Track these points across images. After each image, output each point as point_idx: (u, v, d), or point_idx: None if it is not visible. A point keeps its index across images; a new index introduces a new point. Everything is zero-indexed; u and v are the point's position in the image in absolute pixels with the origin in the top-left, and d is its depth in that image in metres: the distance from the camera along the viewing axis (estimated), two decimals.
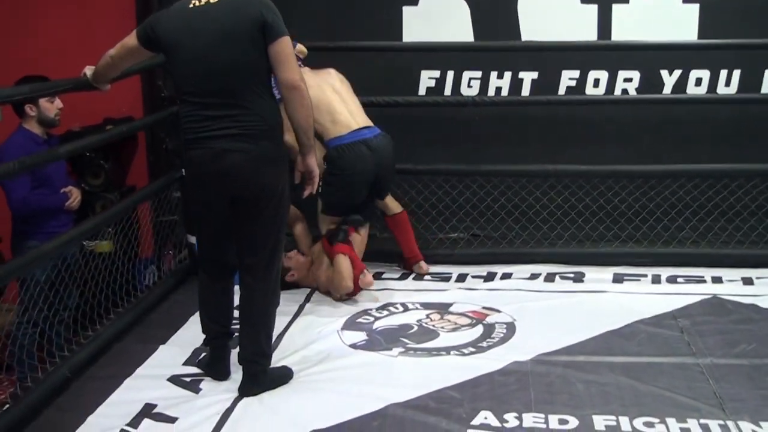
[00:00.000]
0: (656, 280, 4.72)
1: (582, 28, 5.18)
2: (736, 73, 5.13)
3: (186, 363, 3.67)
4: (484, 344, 3.84)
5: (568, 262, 4.99)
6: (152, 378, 3.52)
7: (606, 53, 5.24)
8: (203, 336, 3.58)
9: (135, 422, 3.14)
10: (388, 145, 4.57)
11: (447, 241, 5.29)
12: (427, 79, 5.37)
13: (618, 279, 4.75)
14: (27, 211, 4.31)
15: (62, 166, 4.57)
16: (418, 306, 4.36)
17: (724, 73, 5.15)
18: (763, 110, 5.10)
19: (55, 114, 4.42)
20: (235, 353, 3.49)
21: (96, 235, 4.71)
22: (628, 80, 5.23)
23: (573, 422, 3.08)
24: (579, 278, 4.77)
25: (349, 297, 4.46)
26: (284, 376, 3.47)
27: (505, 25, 5.23)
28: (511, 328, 4.04)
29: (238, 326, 3.46)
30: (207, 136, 3.24)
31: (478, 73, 5.33)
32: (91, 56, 3.67)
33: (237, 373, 3.45)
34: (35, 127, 4.38)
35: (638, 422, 3.06)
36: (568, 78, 5.26)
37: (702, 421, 3.07)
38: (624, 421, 3.07)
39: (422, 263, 4.89)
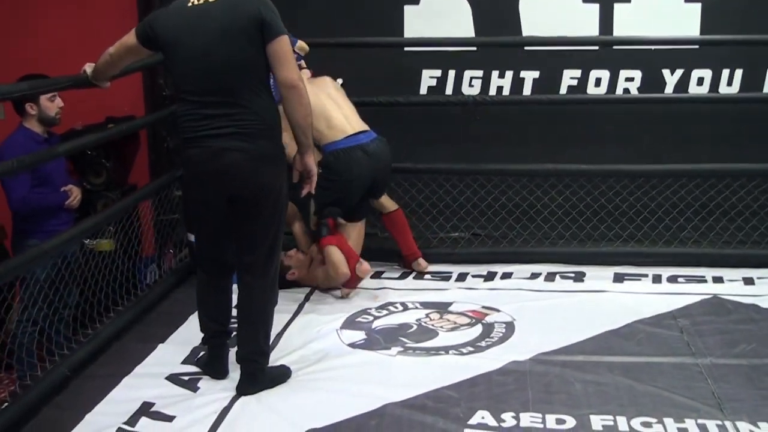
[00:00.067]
0: (657, 279, 4.71)
1: (584, 27, 5.16)
2: (738, 73, 5.12)
3: (185, 362, 3.67)
4: (483, 344, 3.83)
5: (568, 261, 4.98)
6: (151, 376, 3.52)
7: (607, 53, 5.22)
8: (201, 335, 3.58)
9: (132, 421, 3.14)
10: (385, 148, 4.58)
11: (448, 241, 5.28)
12: (428, 78, 5.37)
13: (619, 279, 4.74)
14: (27, 210, 4.32)
15: (62, 164, 4.58)
16: (417, 305, 4.35)
17: (726, 72, 5.14)
18: (765, 110, 5.09)
19: (56, 113, 4.43)
20: (233, 352, 3.49)
21: (97, 234, 4.73)
22: (629, 79, 5.22)
23: (570, 422, 3.07)
24: (579, 278, 4.76)
25: (350, 288, 4.47)
26: (282, 375, 3.47)
27: (507, 25, 5.22)
28: (510, 327, 4.03)
29: (236, 325, 3.46)
30: (205, 134, 3.24)
31: (480, 73, 5.33)
32: (91, 56, 3.68)
33: (235, 372, 3.44)
34: (36, 126, 4.39)
35: (636, 422, 3.05)
36: (569, 77, 5.26)
37: (700, 421, 3.06)
38: (621, 421, 3.07)
39: (421, 260, 4.90)
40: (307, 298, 4.52)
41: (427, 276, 4.87)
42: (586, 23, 5.17)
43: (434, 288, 4.65)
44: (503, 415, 3.13)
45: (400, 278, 4.84)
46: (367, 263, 4.50)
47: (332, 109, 4.51)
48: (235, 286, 3.50)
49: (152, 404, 3.26)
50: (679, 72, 5.17)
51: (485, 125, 5.23)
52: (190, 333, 3.89)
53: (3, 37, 5.36)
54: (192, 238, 4.55)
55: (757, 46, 5.03)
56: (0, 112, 5.19)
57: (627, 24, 5.14)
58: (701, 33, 5.08)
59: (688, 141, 5.14)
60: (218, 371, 3.51)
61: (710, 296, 4.39)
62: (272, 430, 3.08)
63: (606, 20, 5.17)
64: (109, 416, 3.17)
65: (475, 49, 5.32)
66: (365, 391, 3.34)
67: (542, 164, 5.06)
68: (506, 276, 4.81)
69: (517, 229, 5.25)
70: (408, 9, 5.30)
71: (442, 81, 5.37)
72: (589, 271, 4.84)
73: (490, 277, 4.80)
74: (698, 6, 5.08)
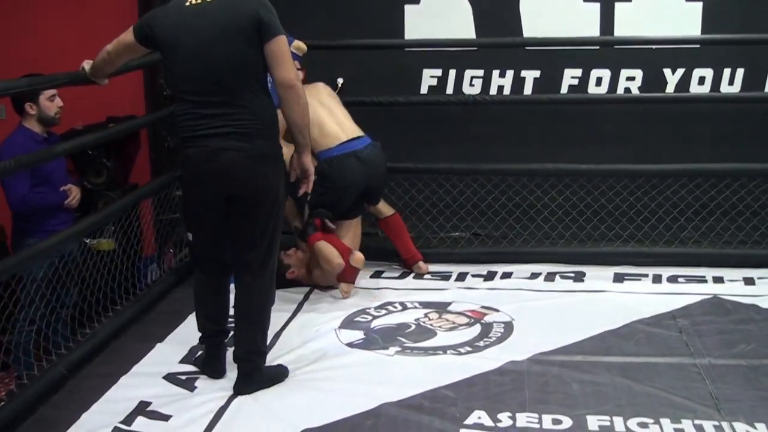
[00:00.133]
0: (657, 279, 4.69)
1: (584, 26, 5.15)
2: (740, 72, 5.11)
3: (182, 361, 3.67)
4: (481, 343, 3.83)
5: (569, 261, 4.97)
6: (148, 376, 3.52)
7: (608, 52, 5.22)
8: (199, 334, 3.58)
9: (129, 420, 3.14)
10: (379, 154, 4.59)
11: (448, 240, 5.28)
12: (429, 77, 5.37)
13: (618, 279, 4.72)
14: (27, 209, 4.32)
15: (62, 164, 4.58)
16: (416, 305, 4.35)
17: (727, 71, 5.12)
18: (766, 109, 5.06)
19: (56, 113, 4.43)
20: (231, 351, 3.49)
21: (98, 233, 4.74)
22: (630, 79, 5.21)
23: (567, 422, 3.06)
24: (579, 278, 4.75)
25: (348, 281, 4.47)
26: (279, 374, 3.47)
27: (508, 24, 5.22)
28: (509, 327, 4.02)
29: (233, 324, 3.46)
30: (203, 134, 3.24)
31: (480, 72, 5.33)
32: (91, 56, 3.68)
33: (233, 372, 3.44)
34: (35, 125, 4.39)
35: (632, 422, 3.04)
36: (570, 77, 5.25)
37: (697, 421, 3.05)
38: (618, 421, 3.06)
39: (421, 263, 4.89)
40: (306, 298, 4.52)
41: (427, 276, 4.86)
42: (586, 22, 5.16)
43: (433, 288, 4.65)
44: (500, 415, 3.12)
45: (399, 278, 4.84)
46: (360, 253, 4.50)
47: (325, 116, 4.52)
48: (232, 286, 3.50)
49: (149, 403, 3.26)
50: (680, 71, 5.16)
51: (485, 125, 5.23)
52: (188, 332, 3.89)
53: (3, 37, 5.38)
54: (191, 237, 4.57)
55: (759, 45, 5.01)
56: (1, 112, 5.20)
57: (628, 23, 5.13)
58: (702, 32, 5.06)
59: (688, 141, 5.13)
60: (216, 371, 3.52)
61: (710, 296, 4.37)
62: (268, 430, 3.08)
63: (607, 19, 5.16)
64: (105, 415, 3.17)
65: (475, 48, 5.31)
66: (362, 390, 3.34)
67: (542, 164, 5.05)
68: (506, 276, 4.80)
69: (517, 229, 5.25)
70: (408, 8, 5.29)
71: (442, 80, 5.37)
72: (589, 271, 4.83)
73: (489, 276, 4.80)
74: (699, 5, 5.06)
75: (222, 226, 3.39)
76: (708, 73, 5.14)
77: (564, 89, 5.23)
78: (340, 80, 5.24)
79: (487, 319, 4.13)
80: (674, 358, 3.62)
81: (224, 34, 3.18)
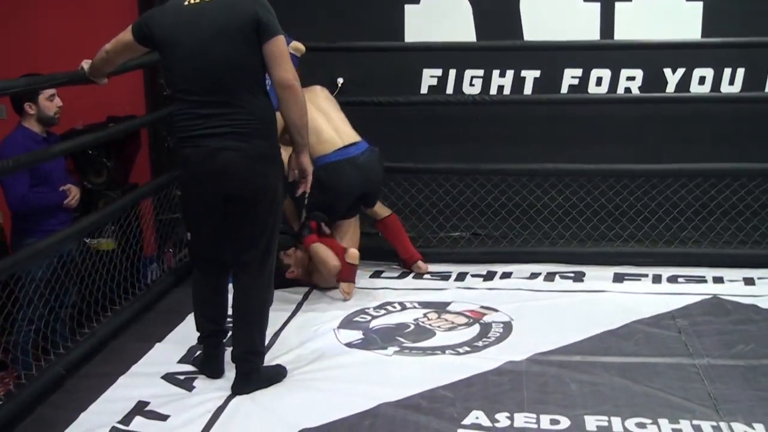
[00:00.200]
0: (657, 279, 4.69)
1: (584, 26, 5.15)
2: (740, 72, 5.10)
3: (181, 361, 3.67)
4: (480, 344, 3.82)
5: (569, 261, 4.97)
6: (146, 376, 3.52)
7: (609, 51, 5.21)
8: (198, 334, 3.58)
9: (127, 420, 3.14)
10: (376, 159, 4.59)
11: (447, 240, 5.28)
12: (429, 77, 5.36)
13: (618, 279, 4.72)
14: (26, 209, 4.33)
15: (61, 164, 4.59)
16: (415, 305, 4.35)
17: (727, 71, 5.12)
18: (765, 109, 5.06)
19: (55, 112, 4.43)
20: (229, 351, 3.49)
21: (98, 233, 4.74)
22: (630, 78, 5.20)
23: (565, 422, 3.06)
24: (579, 278, 4.74)
25: (348, 280, 4.45)
26: (277, 374, 3.47)
27: (508, 23, 5.21)
28: (507, 327, 4.02)
29: (231, 324, 3.46)
30: (200, 134, 3.24)
31: (480, 72, 5.32)
32: (91, 56, 3.68)
33: (231, 372, 3.44)
34: (35, 125, 4.40)
35: (630, 423, 3.04)
36: (570, 76, 5.25)
37: (695, 422, 3.04)
38: (616, 421, 3.05)
39: (420, 263, 4.88)
40: (305, 297, 4.52)
41: (427, 276, 4.86)
42: (586, 22, 5.15)
43: (433, 288, 4.64)
44: (497, 416, 3.12)
45: (399, 278, 4.84)
46: (354, 250, 4.49)
47: (322, 122, 4.50)
48: (230, 286, 3.50)
49: (147, 403, 3.26)
50: (680, 71, 5.15)
51: (485, 125, 5.23)
52: (187, 332, 3.88)
53: (3, 36, 5.38)
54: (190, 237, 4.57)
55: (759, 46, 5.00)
56: (2, 112, 5.20)
57: (628, 23, 5.12)
58: (703, 32, 5.05)
59: (688, 141, 5.12)
60: (214, 370, 3.52)
61: (710, 296, 4.36)
62: (265, 430, 3.08)
63: (607, 19, 5.15)
64: (103, 415, 3.17)
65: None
66: (360, 390, 3.34)
67: (542, 164, 5.04)
68: (506, 276, 4.80)
69: (517, 228, 5.24)
70: (408, 8, 5.29)
71: (442, 80, 5.36)
72: (589, 271, 4.83)
73: (489, 276, 4.79)
74: (699, 5, 5.05)
75: (220, 226, 3.39)
76: (708, 73, 5.13)
77: (564, 89, 5.23)
78: (340, 80, 5.25)
79: (486, 319, 4.13)
80: (673, 358, 3.61)
81: (223, 34, 3.18)
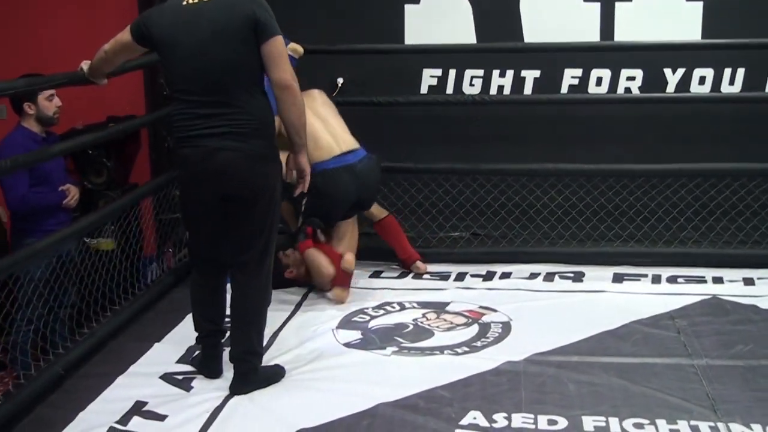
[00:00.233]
0: (656, 280, 4.69)
1: (584, 26, 5.15)
2: (740, 72, 5.09)
3: (179, 361, 3.67)
4: (479, 344, 3.82)
5: (568, 261, 4.97)
6: (145, 376, 3.53)
7: (608, 52, 5.20)
8: (196, 334, 3.59)
9: (125, 420, 3.14)
10: (374, 167, 4.57)
11: (447, 240, 5.27)
12: (429, 77, 5.36)
13: (618, 279, 4.72)
14: (25, 209, 4.34)
15: (61, 163, 4.59)
16: (414, 305, 4.35)
17: (728, 71, 5.11)
18: (765, 109, 5.05)
19: (54, 112, 4.44)
20: (227, 351, 3.49)
21: (97, 233, 4.74)
22: (631, 78, 5.20)
23: (562, 423, 3.06)
24: (578, 278, 4.74)
25: (343, 286, 4.44)
26: (275, 374, 3.47)
27: (508, 24, 5.21)
28: (506, 327, 4.02)
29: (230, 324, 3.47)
30: (198, 134, 3.25)
31: (480, 72, 5.31)
32: (91, 56, 3.68)
33: (230, 372, 3.44)
34: (34, 125, 4.40)
35: (628, 423, 3.04)
36: (570, 76, 5.24)
37: (692, 422, 3.04)
38: (614, 422, 3.05)
39: (419, 263, 4.88)
40: (304, 297, 4.52)
41: (426, 276, 4.85)
42: (586, 22, 5.15)
43: (432, 288, 4.64)
44: (495, 416, 3.12)
45: (398, 278, 4.84)
46: (351, 254, 4.47)
47: (319, 128, 4.45)
48: (229, 286, 3.50)
49: (145, 403, 3.26)
50: (680, 71, 5.14)
51: (485, 125, 5.23)
52: (186, 332, 3.88)
53: (3, 37, 5.39)
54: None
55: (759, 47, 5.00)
56: (2, 112, 5.21)
57: (628, 23, 5.11)
58: (703, 32, 5.05)
59: (688, 141, 5.11)
60: (212, 371, 3.52)
61: (709, 297, 4.36)
62: (263, 430, 3.08)
63: (607, 19, 5.14)
64: (101, 415, 3.17)
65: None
66: (358, 390, 3.34)
67: (542, 164, 5.04)
68: (505, 276, 4.79)
69: (517, 229, 5.24)
70: (408, 8, 5.28)
71: (442, 80, 5.35)
72: (589, 271, 4.83)
73: (488, 276, 4.79)
74: (699, 5, 5.05)
75: (219, 226, 3.39)
76: (708, 73, 5.12)
77: (564, 89, 5.22)
78: (340, 80, 5.25)
79: (485, 319, 4.13)
80: (671, 358, 3.61)
81: (221, 34, 3.19)
